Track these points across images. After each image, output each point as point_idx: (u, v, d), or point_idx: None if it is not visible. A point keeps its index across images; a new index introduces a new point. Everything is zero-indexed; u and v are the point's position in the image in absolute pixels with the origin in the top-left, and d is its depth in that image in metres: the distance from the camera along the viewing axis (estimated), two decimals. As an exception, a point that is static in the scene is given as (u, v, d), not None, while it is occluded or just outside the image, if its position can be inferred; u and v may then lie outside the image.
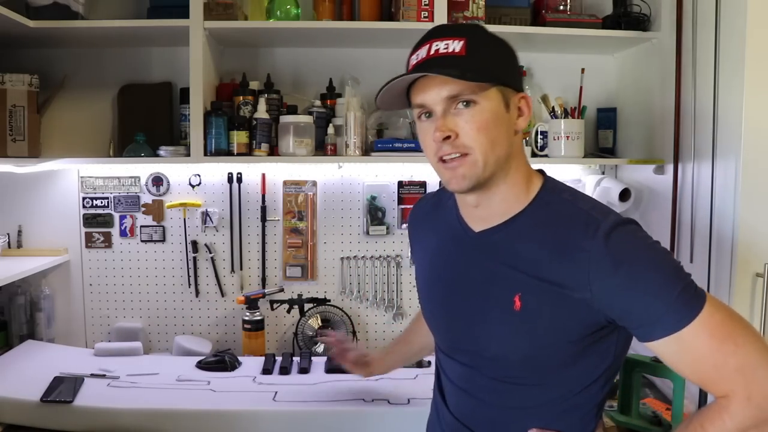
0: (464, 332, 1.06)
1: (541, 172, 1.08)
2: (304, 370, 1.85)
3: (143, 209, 2.16)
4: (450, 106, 0.96)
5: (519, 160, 1.02)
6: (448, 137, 0.96)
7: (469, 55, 0.96)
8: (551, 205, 1.01)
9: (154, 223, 2.17)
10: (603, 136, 2.22)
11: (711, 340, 0.90)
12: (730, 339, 0.90)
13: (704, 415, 0.94)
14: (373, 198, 2.21)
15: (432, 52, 0.97)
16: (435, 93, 0.96)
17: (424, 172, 2.19)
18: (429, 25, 1.86)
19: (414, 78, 0.98)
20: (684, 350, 0.91)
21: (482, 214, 1.04)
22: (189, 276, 2.18)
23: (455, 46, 0.96)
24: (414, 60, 1.00)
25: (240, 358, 1.95)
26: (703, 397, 1.53)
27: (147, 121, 2.03)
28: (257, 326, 2.08)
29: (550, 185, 1.04)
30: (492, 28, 1.95)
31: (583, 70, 2.14)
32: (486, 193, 1.01)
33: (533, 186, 1.03)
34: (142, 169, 2.15)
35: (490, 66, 0.98)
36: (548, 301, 0.95)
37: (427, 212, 1.21)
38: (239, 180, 2.17)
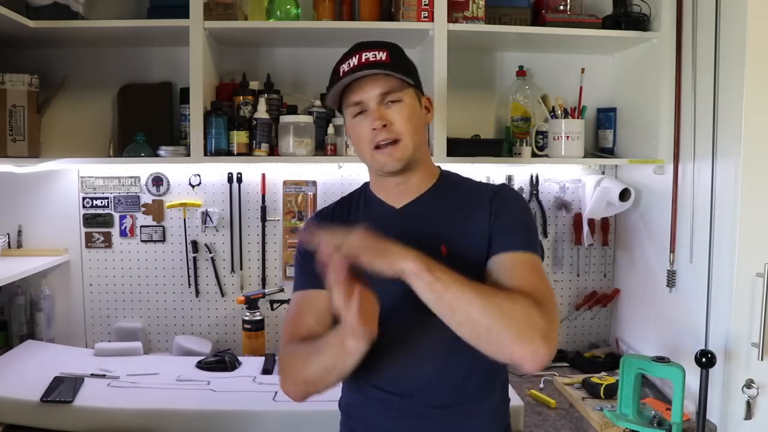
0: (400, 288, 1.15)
1: None
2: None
3: (143, 209, 2.17)
4: (382, 101, 1.20)
5: (426, 148, 1.31)
6: (385, 125, 1.19)
7: (392, 62, 1.21)
8: (453, 180, 1.32)
9: (154, 223, 2.17)
10: (603, 136, 2.22)
11: (528, 266, 1.17)
12: (539, 275, 1.17)
13: (512, 291, 1.12)
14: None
15: (363, 60, 1.20)
16: (370, 91, 1.20)
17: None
18: (429, 25, 1.87)
19: (352, 80, 1.21)
20: (511, 264, 1.17)
21: (401, 191, 1.27)
22: (189, 276, 2.18)
23: (381, 55, 1.20)
24: (346, 67, 1.22)
25: (240, 358, 1.95)
26: (703, 397, 1.53)
27: (147, 121, 2.03)
28: (257, 326, 2.09)
29: (445, 169, 1.34)
30: (492, 28, 1.97)
31: (583, 70, 2.14)
32: (408, 172, 1.25)
33: (435, 168, 1.33)
34: (142, 169, 2.15)
35: (408, 71, 1.23)
36: (466, 240, 1.20)
37: (338, 218, 1.32)
38: (239, 180, 2.17)
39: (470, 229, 1.20)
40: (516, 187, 2.23)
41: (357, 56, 1.21)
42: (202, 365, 1.90)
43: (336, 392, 1.70)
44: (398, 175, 1.24)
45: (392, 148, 1.20)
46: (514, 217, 1.21)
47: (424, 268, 1.03)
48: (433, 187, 1.28)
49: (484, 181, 2.22)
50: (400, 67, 1.21)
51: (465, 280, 1.04)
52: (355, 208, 1.33)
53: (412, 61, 1.27)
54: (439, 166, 1.35)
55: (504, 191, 1.25)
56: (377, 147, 1.21)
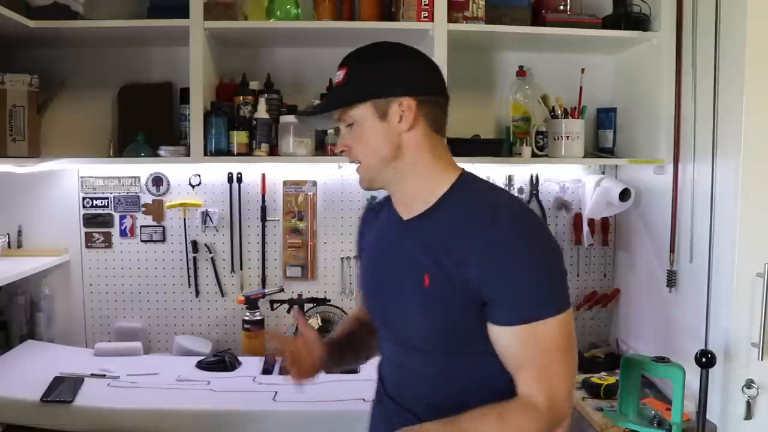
0: (388, 308, 1.19)
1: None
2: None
3: (143, 209, 2.16)
4: (344, 125, 1.16)
5: (424, 157, 1.15)
6: (343, 151, 1.17)
7: (346, 82, 1.14)
8: (463, 193, 1.15)
9: (154, 223, 2.17)
10: (603, 136, 2.22)
11: (526, 345, 1.03)
12: (542, 353, 1.03)
13: (506, 406, 1.04)
14: (373, 198, 2.20)
15: (333, 82, 1.17)
16: (331, 119, 1.19)
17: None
18: (429, 25, 1.87)
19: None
20: (505, 343, 1.05)
21: (403, 201, 1.19)
22: (189, 276, 2.18)
23: (340, 75, 1.15)
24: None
25: (240, 358, 1.95)
26: (703, 397, 1.53)
27: (147, 121, 2.03)
28: (257, 326, 2.08)
29: (464, 178, 1.17)
30: (492, 28, 1.97)
31: (583, 70, 2.14)
32: (393, 187, 1.18)
33: (447, 180, 1.15)
34: (142, 169, 2.15)
35: (362, 87, 1.13)
36: (449, 279, 1.07)
37: (371, 217, 1.33)
38: (239, 180, 2.17)
39: (461, 261, 1.06)
40: (516, 187, 2.23)
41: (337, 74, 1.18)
42: (202, 365, 1.90)
43: (336, 393, 1.70)
44: (383, 189, 1.19)
45: (358, 169, 1.17)
46: (505, 277, 1.03)
47: None
48: (439, 200, 1.15)
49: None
50: (353, 86, 1.13)
51: (456, 426, 1.02)
52: (380, 210, 1.29)
53: (384, 65, 1.15)
54: (460, 171, 1.18)
55: (494, 239, 1.04)
56: None
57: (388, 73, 1.15)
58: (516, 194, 1.19)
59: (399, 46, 1.18)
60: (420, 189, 1.15)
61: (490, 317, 1.05)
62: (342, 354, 1.38)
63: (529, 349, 1.04)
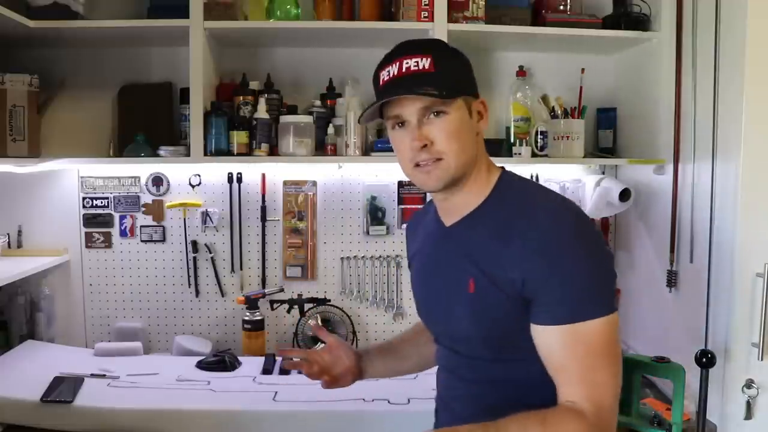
0: (438, 315, 1.20)
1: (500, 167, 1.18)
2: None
3: (143, 209, 2.16)
4: (423, 116, 1.07)
5: (481, 158, 1.14)
6: (425, 146, 1.07)
7: (437, 71, 1.07)
8: (505, 194, 1.13)
9: (154, 223, 2.17)
10: (603, 136, 2.22)
11: (572, 346, 1.00)
12: (589, 355, 1.00)
13: (550, 411, 1.00)
14: (373, 198, 2.21)
15: (404, 69, 1.07)
16: (411, 106, 1.07)
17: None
18: (429, 25, 1.87)
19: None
20: (549, 344, 1.02)
21: (449, 207, 1.16)
22: (189, 276, 2.18)
23: (424, 63, 1.07)
24: (386, 76, 1.10)
25: (240, 358, 1.95)
26: (703, 397, 1.53)
27: (147, 121, 2.03)
28: (257, 326, 2.09)
29: (506, 178, 1.15)
30: (492, 28, 1.97)
31: (583, 70, 2.13)
32: (453, 189, 1.12)
33: (492, 180, 1.14)
34: (142, 169, 2.15)
35: (457, 79, 1.10)
36: (494, 282, 1.06)
37: (417, 222, 1.34)
38: (239, 180, 2.17)
39: (505, 263, 1.04)
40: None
41: (398, 64, 1.08)
42: (202, 365, 1.90)
43: (336, 393, 1.70)
44: (441, 192, 1.13)
45: (433, 166, 1.08)
46: (552, 272, 1.00)
47: None
48: (482, 204, 1.13)
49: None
50: (447, 75, 1.07)
51: (499, 427, 0.98)
52: (424, 218, 1.29)
53: (463, 61, 1.14)
54: (501, 170, 1.17)
55: (536, 236, 1.01)
56: (417, 165, 1.10)
57: (469, 70, 1.15)
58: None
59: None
60: (471, 192, 1.13)
61: (534, 317, 1.03)
62: (385, 361, 1.40)
63: (571, 350, 1.00)
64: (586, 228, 1.05)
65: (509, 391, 1.11)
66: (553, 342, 1.01)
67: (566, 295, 1.00)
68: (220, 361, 1.90)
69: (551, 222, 1.03)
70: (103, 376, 1.78)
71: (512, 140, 2.12)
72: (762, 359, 1.53)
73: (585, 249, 1.02)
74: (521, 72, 2.16)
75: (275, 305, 2.14)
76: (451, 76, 1.09)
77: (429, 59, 1.07)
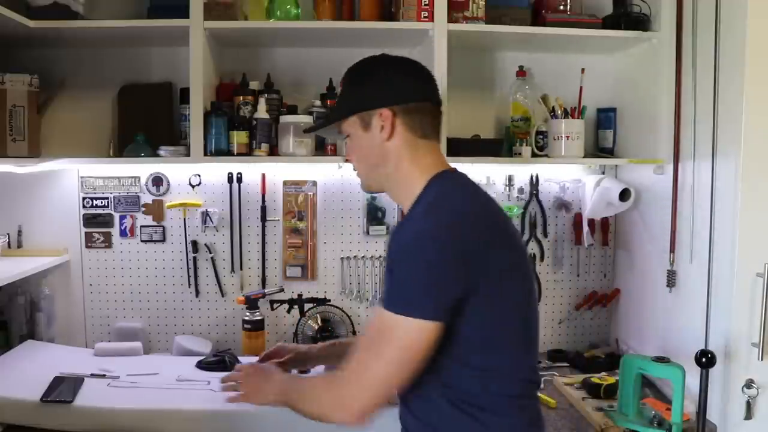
0: None
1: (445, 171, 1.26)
2: (304, 370, 1.84)
3: (143, 209, 2.16)
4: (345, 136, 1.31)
5: (404, 163, 1.24)
6: (348, 159, 1.35)
7: (339, 97, 1.32)
8: (417, 202, 1.22)
9: (154, 223, 2.17)
10: (603, 136, 2.22)
11: (373, 326, 1.15)
12: (373, 336, 1.13)
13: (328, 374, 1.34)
14: (373, 198, 2.21)
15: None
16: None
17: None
18: (429, 25, 1.87)
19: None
20: (373, 321, 1.17)
21: (402, 207, 1.29)
22: (189, 276, 2.18)
23: (339, 90, 1.31)
24: None
25: (240, 358, 1.94)
26: (703, 397, 1.53)
27: (147, 121, 2.03)
28: (257, 326, 2.08)
29: (435, 181, 1.23)
30: (492, 28, 1.97)
31: (583, 70, 2.13)
32: (388, 191, 1.32)
33: (422, 183, 1.23)
34: (142, 169, 2.15)
35: (349, 101, 1.28)
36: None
37: None
38: (239, 180, 2.17)
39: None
40: (516, 187, 2.24)
41: None
42: (202, 365, 1.90)
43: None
44: (382, 192, 1.36)
45: (357, 174, 1.33)
46: (389, 267, 1.14)
47: (281, 400, 1.32)
48: (414, 203, 1.24)
49: (482, 182, 2.22)
50: (341, 101, 1.31)
51: (306, 385, 1.32)
52: None
53: (355, 79, 1.29)
54: (436, 173, 1.24)
55: (392, 236, 1.19)
56: None
57: (372, 86, 1.26)
58: (486, 193, 1.27)
59: (389, 58, 1.30)
60: (403, 194, 1.25)
61: None
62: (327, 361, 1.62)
63: (369, 328, 1.17)
64: (434, 240, 1.10)
65: (433, 380, 1.16)
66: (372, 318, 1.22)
67: (388, 286, 1.13)
68: (220, 361, 1.89)
69: (411, 228, 1.15)
70: (103, 376, 1.78)
71: (512, 140, 2.12)
72: (762, 359, 1.53)
73: (419, 253, 1.10)
74: (521, 72, 2.16)
75: (275, 305, 2.14)
76: (346, 100, 1.29)
77: (341, 87, 1.31)
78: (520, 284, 1.19)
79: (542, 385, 1.92)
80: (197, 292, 2.20)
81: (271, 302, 2.14)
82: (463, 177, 1.27)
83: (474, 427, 1.14)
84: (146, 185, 2.16)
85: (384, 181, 1.28)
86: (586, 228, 2.23)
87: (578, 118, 2.07)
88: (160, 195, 2.17)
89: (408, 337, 1.08)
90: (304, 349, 1.65)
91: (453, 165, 1.30)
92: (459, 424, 1.15)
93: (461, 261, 1.09)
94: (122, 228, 2.16)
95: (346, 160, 1.36)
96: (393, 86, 1.24)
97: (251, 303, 2.08)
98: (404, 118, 1.23)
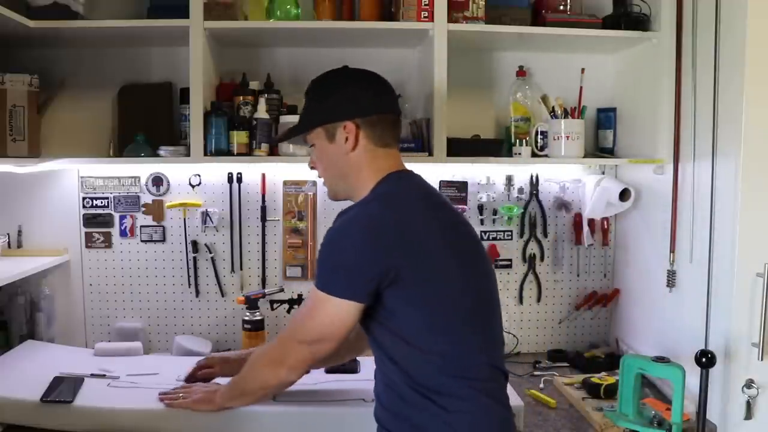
0: None
1: (395, 174, 1.36)
2: None
3: (143, 209, 2.16)
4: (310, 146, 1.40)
5: (364, 172, 1.34)
6: (313, 167, 1.43)
7: (304, 109, 1.39)
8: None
9: (154, 223, 2.17)
10: (603, 136, 2.22)
11: (310, 309, 1.29)
12: (305, 309, 1.31)
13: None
14: (373, 198, 2.20)
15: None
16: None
17: (423, 172, 2.19)
18: (429, 25, 1.87)
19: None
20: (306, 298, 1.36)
21: None
22: (189, 276, 2.18)
23: (305, 103, 1.39)
24: None
25: (240, 358, 1.94)
26: (703, 397, 1.53)
27: (147, 121, 2.03)
28: (257, 326, 2.08)
29: (380, 182, 1.32)
30: (492, 28, 1.97)
31: (583, 70, 2.14)
32: (352, 199, 1.37)
33: (373, 185, 1.33)
34: (142, 169, 2.15)
35: (314, 114, 1.36)
36: None
37: None
38: (239, 180, 2.17)
39: None
40: (516, 187, 2.23)
41: None
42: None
43: (336, 393, 1.70)
44: (347, 200, 1.41)
45: (323, 182, 1.43)
46: (319, 252, 1.30)
47: (218, 403, 1.49)
48: None
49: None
50: (305, 115, 1.39)
51: (238, 382, 1.49)
52: None
53: (319, 93, 1.36)
54: (380, 179, 1.34)
55: (335, 225, 1.30)
56: None
57: (336, 99, 1.34)
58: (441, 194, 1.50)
59: (350, 71, 1.38)
60: (360, 198, 1.33)
61: None
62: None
63: (302, 307, 1.33)
64: (355, 231, 1.23)
65: (396, 368, 1.25)
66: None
67: (317, 267, 1.28)
68: (220, 361, 1.89)
69: (340, 223, 1.28)
70: (103, 376, 1.78)
71: (512, 140, 2.12)
72: (762, 359, 1.53)
73: (339, 243, 1.25)
74: (521, 72, 2.16)
75: (275, 305, 2.14)
76: (311, 112, 1.36)
77: (306, 100, 1.39)
78: (459, 270, 1.26)
79: (542, 385, 1.93)
80: (197, 292, 2.20)
81: (271, 302, 2.13)
82: (410, 175, 1.37)
83: (435, 411, 1.21)
84: (146, 185, 2.16)
85: (347, 189, 1.37)
86: (586, 228, 2.23)
87: (578, 118, 2.07)
88: (160, 195, 2.17)
89: (329, 312, 1.24)
90: (233, 356, 1.70)
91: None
92: (422, 410, 1.22)
93: (382, 247, 1.19)
94: (122, 228, 2.16)
95: (311, 168, 1.42)
96: (356, 99, 1.33)
97: (251, 303, 2.08)
98: (367, 130, 1.32)
